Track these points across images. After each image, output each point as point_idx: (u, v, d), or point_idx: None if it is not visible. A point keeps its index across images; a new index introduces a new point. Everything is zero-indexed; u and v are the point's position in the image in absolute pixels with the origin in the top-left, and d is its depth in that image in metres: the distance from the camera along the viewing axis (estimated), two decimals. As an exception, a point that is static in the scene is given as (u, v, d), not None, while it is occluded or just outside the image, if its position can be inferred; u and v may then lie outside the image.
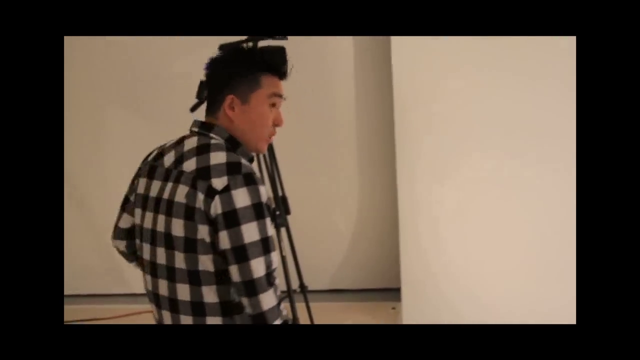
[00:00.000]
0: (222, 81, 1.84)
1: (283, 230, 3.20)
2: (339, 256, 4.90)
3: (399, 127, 3.93)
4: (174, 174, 1.78)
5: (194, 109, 2.87)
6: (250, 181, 1.69)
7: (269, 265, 1.70)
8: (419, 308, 4.05)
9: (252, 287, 1.68)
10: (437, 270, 4.05)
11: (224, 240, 1.67)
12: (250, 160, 1.87)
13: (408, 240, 4.10)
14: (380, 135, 4.64)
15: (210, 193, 1.67)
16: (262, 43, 2.93)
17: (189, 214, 1.70)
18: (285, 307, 1.81)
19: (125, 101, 4.93)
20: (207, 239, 1.70)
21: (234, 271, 1.68)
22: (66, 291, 5.12)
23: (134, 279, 4.96)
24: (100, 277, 5.16)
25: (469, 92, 3.77)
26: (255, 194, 1.68)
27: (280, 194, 3.27)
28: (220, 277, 1.73)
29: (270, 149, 3.27)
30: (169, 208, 1.75)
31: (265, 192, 1.71)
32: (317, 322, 3.61)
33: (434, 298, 4.04)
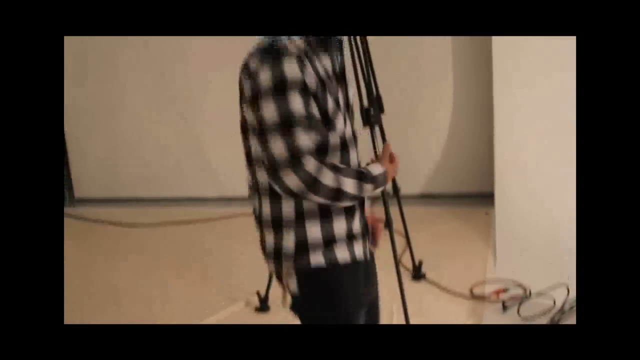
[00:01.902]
0: None
1: (377, 130, 3.12)
2: (431, 160, 4.81)
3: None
4: None
5: None
6: (276, 57, 1.61)
7: (289, 145, 1.61)
8: (511, 213, 3.97)
9: (276, 164, 1.63)
10: (531, 176, 3.93)
11: None
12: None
13: (503, 143, 3.98)
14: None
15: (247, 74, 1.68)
16: None
17: None
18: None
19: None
20: None
21: None
22: (163, 193, 5.29)
23: (228, 182, 5.08)
24: (194, 179, 5.26)
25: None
26: (277, 70, 1.60)
27: (374, 92, 3.18)
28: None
29: (366, 48, 3.16)
30: None
31: (297, 67, 1.60)
32: (410, 227, 3.57)
33: (527, 204, 3.94)
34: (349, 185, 1.67)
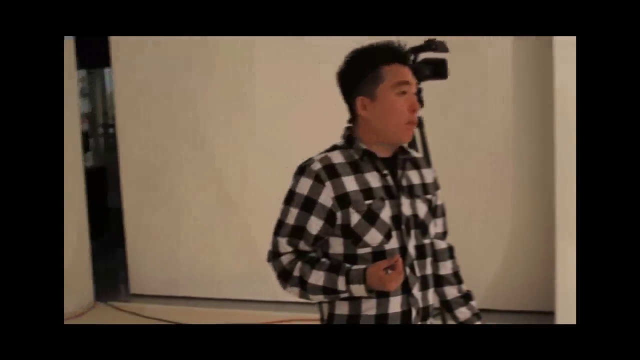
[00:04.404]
0: (350, 88, 1.91)
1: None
2: (491, 274, 4.71)
3: (559, 132, 3.76)
4: None
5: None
6: (297, 171, 1.90)
7: (274, 244, 1.93)
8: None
9: None
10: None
11: None
12: (363, 154, 1.88)
13: (565, 260, 3.88)
14: (537, 143, 4.45)
15: None
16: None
17: None
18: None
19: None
20: None
21: None
22: (217, 294, 5.29)
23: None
24: (249, 283, 5.26)
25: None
26: (293, 182, 1.89)
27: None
28: None
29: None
30: None
31: (307, 185, 1.85)
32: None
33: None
34: (294, 279, 1.90)
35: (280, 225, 1.91)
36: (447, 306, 2.05)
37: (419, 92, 3.07)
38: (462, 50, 4.23)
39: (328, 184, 1.83)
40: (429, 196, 1.96)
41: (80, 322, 4.92)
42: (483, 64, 4.61)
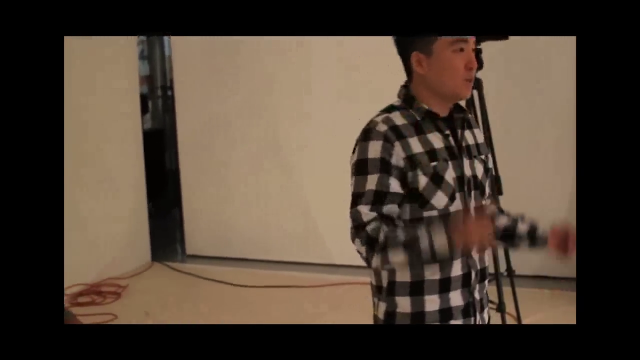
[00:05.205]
0: (405, 43, 1.85)
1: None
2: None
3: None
4: None
5: None
6: (362, 137, 1.80)
7: (354, 218, 1.77)
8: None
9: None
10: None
11: None
12: (426, 115, 1.83)
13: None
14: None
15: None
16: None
17: None
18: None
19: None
20: None
21: None
22: (270, 257, 5.34)
23: (334, 249, 5.07)
24: (303, 245, 5.29)
25: None
26: (361, 149, 1.79)
27: (493, 173, 3.11)
28: None
29: (488, 132, 3.12)
30: None
31: (378, 147, 1.76)
32: (522, 309, 3.42)
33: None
34: (393, 252, 1.72)
35: (358, 196, 1.78)
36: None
37: (478, 52, 2.98)
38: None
39: (397, 144, 1.77)
40: (482, 156, 1.92)
41: (138, 280, 5.04)
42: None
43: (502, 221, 1.99)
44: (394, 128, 1.79)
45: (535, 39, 4.32)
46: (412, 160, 1.77)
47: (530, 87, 4.59)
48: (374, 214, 1.75)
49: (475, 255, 1.84)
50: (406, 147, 1.77)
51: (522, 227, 1.97)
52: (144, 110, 6.66)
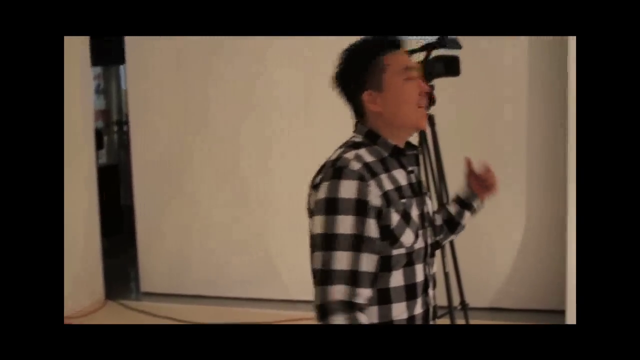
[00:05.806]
0: (353, 85, 1.82)
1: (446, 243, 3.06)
2: (502, 272, 4.68)
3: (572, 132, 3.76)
4: None
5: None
6: (332, 175, 1.69)
7: (325, 262, 1.65)
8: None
9: (313, 277, 1.69)
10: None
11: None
12: (393, 151, 1.80)
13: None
14: (550, 141, 4.42)
15: (312, 187, 1.76)
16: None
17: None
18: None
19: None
20: None
21: None
22: (227, 293, 5.28)
23: (293, 284, 5.05)
24: (260, 282, 5.25)
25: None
26: (333, 187, 1.67)
27: (445, 202, 3.16)
28: None
29: (438, 158, 3.16)
30: None
31: (353, 187, 1.67)
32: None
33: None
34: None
35: (330, 241, 1.66)
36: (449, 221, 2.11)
37: (431, 89, 3.04)
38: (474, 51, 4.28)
39: (372, 182, 1.69)
40: (426, 192, 1.92)
41: (91, 320, 4.93)
42: (499, 64, 4.59)
43: (439, 221, 2.06)
44: (366, 166, 1.71)
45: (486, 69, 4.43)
46: (387, 198, 1.71)
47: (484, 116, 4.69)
48: (346, 302, 1.64)
49: (430, 291, 1.84)
50: (380, 184, 1.70)
51: (452, 207, 2.11)
52: (99, 145, 6.60)
